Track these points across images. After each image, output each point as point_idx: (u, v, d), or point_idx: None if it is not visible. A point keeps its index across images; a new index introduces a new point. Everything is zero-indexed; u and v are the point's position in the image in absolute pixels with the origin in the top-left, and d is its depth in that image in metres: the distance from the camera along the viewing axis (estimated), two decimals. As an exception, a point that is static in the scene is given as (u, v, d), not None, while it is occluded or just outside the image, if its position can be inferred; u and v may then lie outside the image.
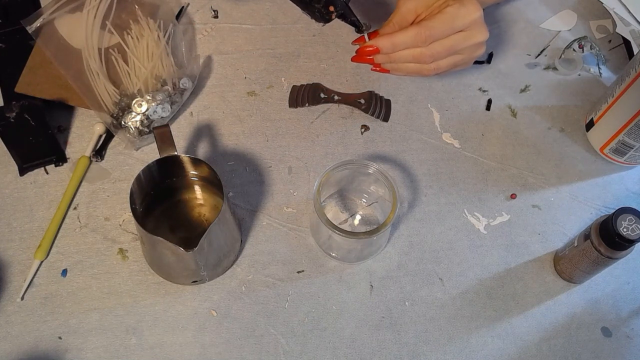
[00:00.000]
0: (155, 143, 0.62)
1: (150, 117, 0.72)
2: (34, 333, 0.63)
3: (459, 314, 0.67)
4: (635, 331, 0.67)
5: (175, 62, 0.76)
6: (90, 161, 0.72)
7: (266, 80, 0.79)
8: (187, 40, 0.80)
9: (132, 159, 0.73)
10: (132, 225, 0.69)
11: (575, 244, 0.65)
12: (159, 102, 0.72)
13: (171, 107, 0.73)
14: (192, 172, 0.66)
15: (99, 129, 0.73)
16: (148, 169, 0.62)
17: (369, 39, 0.68)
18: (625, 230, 0.59)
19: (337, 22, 0.84)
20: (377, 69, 0.71)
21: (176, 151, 0.62)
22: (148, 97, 0.72)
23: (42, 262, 0.67)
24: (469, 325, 0.66)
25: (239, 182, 0.72)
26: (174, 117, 0.75)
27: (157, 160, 0.62)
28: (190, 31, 0.82)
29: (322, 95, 0.78)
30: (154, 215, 0.67)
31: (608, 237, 0.60)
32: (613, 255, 0.62)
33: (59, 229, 0.68)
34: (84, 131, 0.74)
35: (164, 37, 0.76)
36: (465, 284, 0.68)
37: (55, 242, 0.68)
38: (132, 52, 0.74)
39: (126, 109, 0.72)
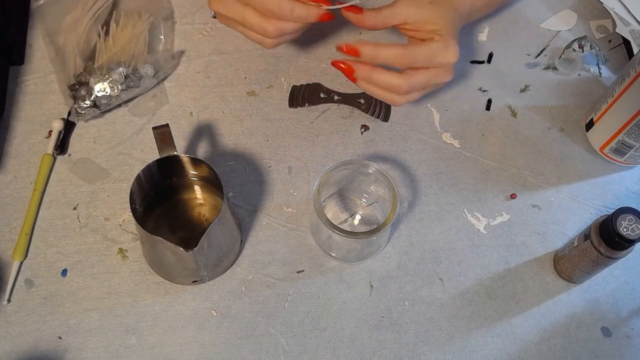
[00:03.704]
0: (155, 143, 0.62)
1: (97, 94, 0.73)
2: (34, 333, 0.63)
3: (459, 314, 0.67)
4: (635, 331, 0.67)
5: (149, 51, 0.77)
6: (54, 157, 0.72)
7: (266, 80, 0.79)
8: (168, 36, 0.80)
9: (132, 159, 0.73)
10: (132, 225, 0.69)
11: (575, 244, 0.65)
12: (110, 80, 0.73)
13: (121, 89, 0.73)
14: (192, 172, 0.66)
15: (57, 125, 0.73)
16: (148, 169, 0.62)
17: (356, 12, 0.66)
18: (625, 230, 0.59)
19: (336, 22, 0.84)
20: (347, 73, 0.67)
21: (176, 151, 0.62)
22: (104, 76, 0.73)
23: (21, 262, 0.66)
24: (469, 325, 0.66)
25: (239, 182, 0.72)
26: (173, 116, 0.75)
27: (157, 160, 0.62)
28: (181, 29, 0.81)
29: (322, 95, 0.78)
30: (154, 215, 0.67)
31: (608, 237, 0.60)
32: (613, 255, 0.62)
33: (32, 229, 0.68)
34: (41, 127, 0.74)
35: (145, 22, 0.77)
36: (465, 284, 0.68)
37: (56, 242, 0.68)
38: (113, 30, 0.76)
39: (83, 83, 0.73)
